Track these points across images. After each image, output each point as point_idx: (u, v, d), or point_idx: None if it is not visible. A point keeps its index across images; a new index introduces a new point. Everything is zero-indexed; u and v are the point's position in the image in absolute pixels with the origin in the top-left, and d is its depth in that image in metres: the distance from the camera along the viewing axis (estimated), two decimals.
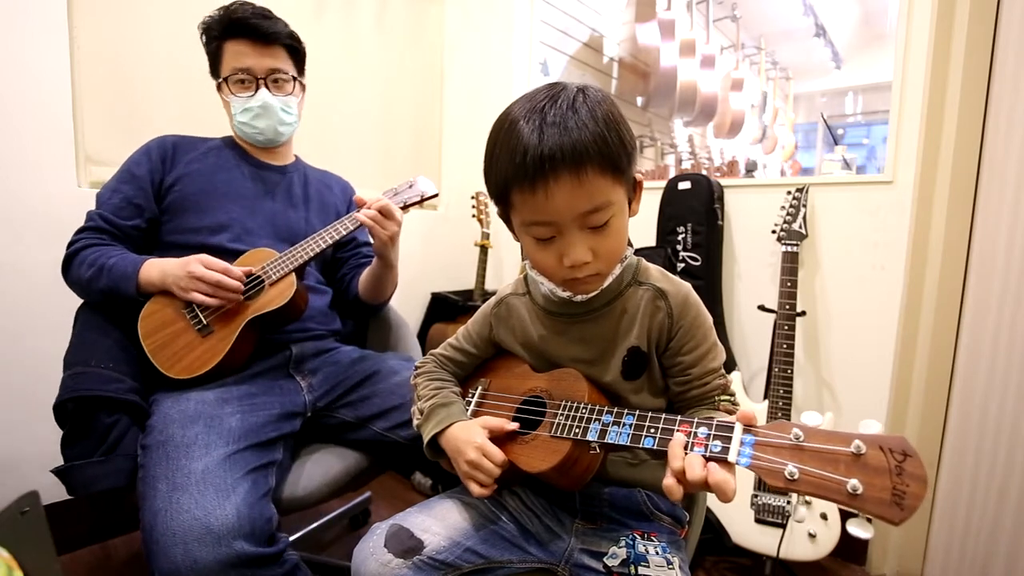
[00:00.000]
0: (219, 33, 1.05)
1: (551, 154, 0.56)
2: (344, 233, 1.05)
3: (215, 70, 1.09)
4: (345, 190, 1.27)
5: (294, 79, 1.11)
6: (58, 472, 0.82)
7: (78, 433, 0.84)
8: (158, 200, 1.05)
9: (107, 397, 0.86)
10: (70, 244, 0.99)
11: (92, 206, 1.03)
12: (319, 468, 0.97)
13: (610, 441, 0.59)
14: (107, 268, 0.94)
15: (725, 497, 0.49)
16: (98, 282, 0.94)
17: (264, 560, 0.74)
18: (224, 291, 0.94)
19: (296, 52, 1.12)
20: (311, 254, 1.02)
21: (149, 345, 0.94)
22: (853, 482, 0.43)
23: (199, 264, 0.93)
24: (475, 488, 0.68)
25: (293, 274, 1.00)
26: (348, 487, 1.00)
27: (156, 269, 0.95)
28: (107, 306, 0.98)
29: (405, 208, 1.11)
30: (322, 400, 1.04)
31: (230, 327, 0.96)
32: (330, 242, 1.04)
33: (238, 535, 0.71)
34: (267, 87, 1.07)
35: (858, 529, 0.45)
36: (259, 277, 0.99)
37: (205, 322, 0.96)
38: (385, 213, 1.05)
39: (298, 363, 1.06)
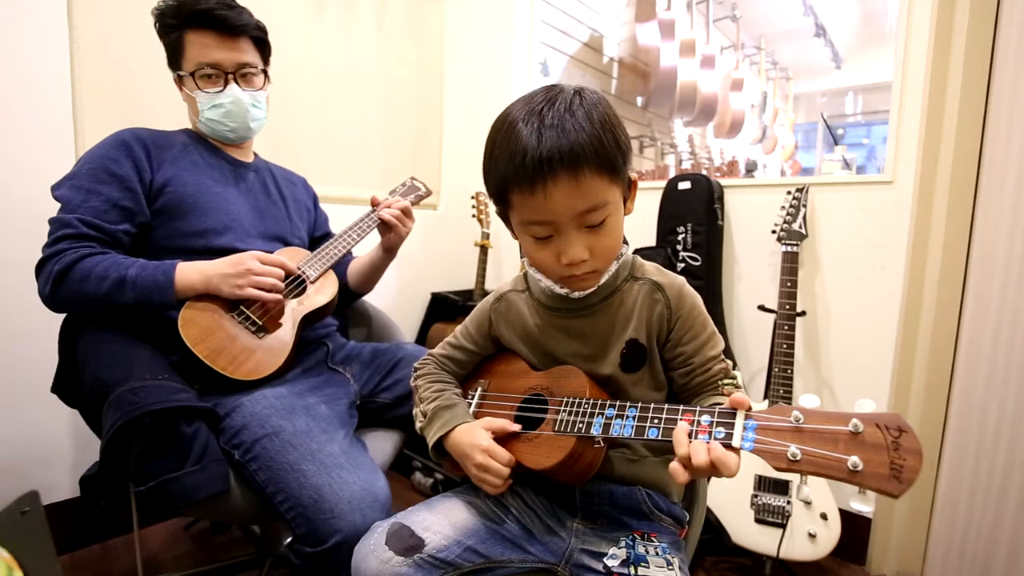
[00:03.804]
0: (179, 22, 0.99)
1: (550, 156, 0.57)
2: (368, 233, 1.13)
3: (175, 62, 1.02)
4: (305, 185, 1.30)
5: (263, 72, 1.08)
6: (151, 489, 0.80)
7: (160, 447, 0.82)
8: (149, 202, 0.97)
9: (183, 407, 0.84)
10: (53, 256, 0.88)
11: None
12: (376, 446, 1.04)
13: (614, 434, 0.60)
14: (130, 280, 0.87)
15: (729, 471, 0.50)
16: (121, 296, 0.87)
17: None
18: (281, 283, 0.96)
19: (263, 44, 1.08)
20: (343, 251, 1.08)
21: (203, 351, 0.89)
22: (853, 459, 0.45)
23: (256, 260, 0.94)
24: (490, 489, 0.69)
25: (332, 271, 1.05)
26: (395, 460, 1.09)
27: (196, 272, 0.92)
28: (118, 318, 0.91)
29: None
30: (365, 388, 1.09)
31: (286, 326, 0.99)
32: (358, 240, 1.11)
33: (388, 503, 0.83)
34: (236, 82, 1.03)
35: (860, 504, 0.47)
36: (299, 276, 1.02)
37: (260, 323, 0.96)
38: (406, 213, 1.15)
39: (334, 357, 1.11)
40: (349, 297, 1.28)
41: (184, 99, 1.07)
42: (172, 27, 0.99)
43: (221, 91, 1.02)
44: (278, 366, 0.95)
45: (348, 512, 0.77)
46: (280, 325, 0.98)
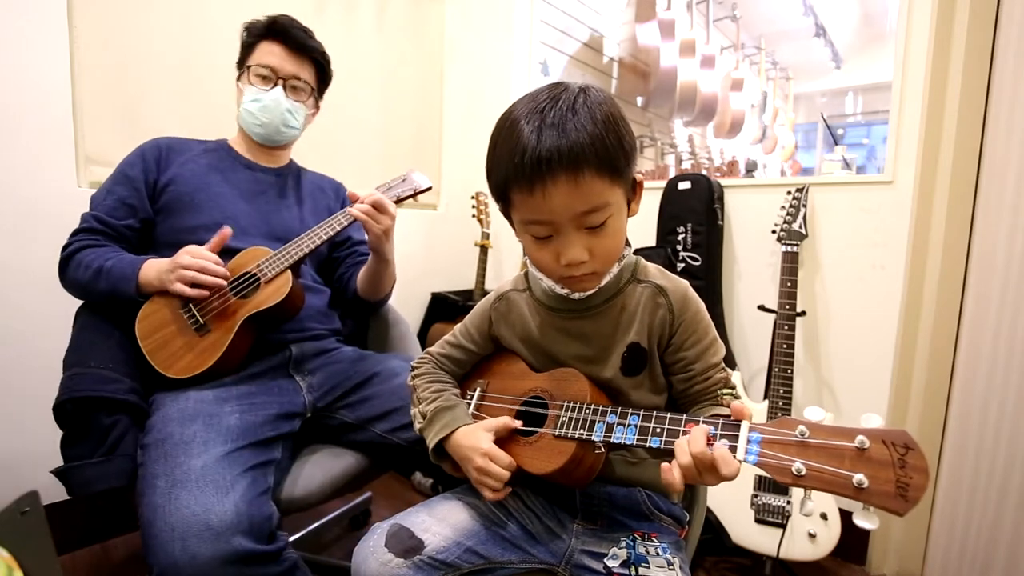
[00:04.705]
0: (259, 33, 1.09)
1: (548, 156, 0.56)
2: (338, 229, 1.05)
3: (242, 61, 1.12)
4: (338, 191, 1.28)
5: (312, 91, 1.14)
6: (57, 473, 0.82)
7: (77, 434, 0.84)
8: (152, 200, 1.05)
9: (106, 398, 0.86)
10: (65, 247, 0.98)
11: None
12: (318, 469, 0.97)
13: (616, 441, 0.60)
14: (105, 270, 0.94)
15: (730, 469, 0.50)
16: (97, 284, 0.94)
17: (262, 557, 0.74)
18: (208, 277, 0.93)
19: (323, 71, 1.16)
20: (305, 251, 1.02)
21: (147, 346, 0.94)
22: (859, 476, 0.45)
23: (186, 255, 0.94)
24: (488, 493, 0.68)
25: (288, 271, 1.00)
26: (347, 488, 0.99)
27: (153, 269, 0.95)
28: (108, 307, 0.98)
29: (398, 202, 1.11)
30: (322, 400, 1.03)
31: (226, 325, 0.96)
32: (324, 238, 1.03)
33: (236, 531, 0.71)
34: (284, 88, 1.09)
35: (864, 520, 0.47)
36: (254, 275, 0.99)
37: (202, 321, 0.95)
38: (378, 207, 1.05)
39: (298, 363, 1.06)
40: (364, 305, 1.24)
41: (236, 95, 1.13)
42: (253, 35, 1.11)
43: (267, 90, 1.09)
44: (206, 367, 0.94)
45: (168, 541, 0.69)
46: (224, 324, 0.96)
